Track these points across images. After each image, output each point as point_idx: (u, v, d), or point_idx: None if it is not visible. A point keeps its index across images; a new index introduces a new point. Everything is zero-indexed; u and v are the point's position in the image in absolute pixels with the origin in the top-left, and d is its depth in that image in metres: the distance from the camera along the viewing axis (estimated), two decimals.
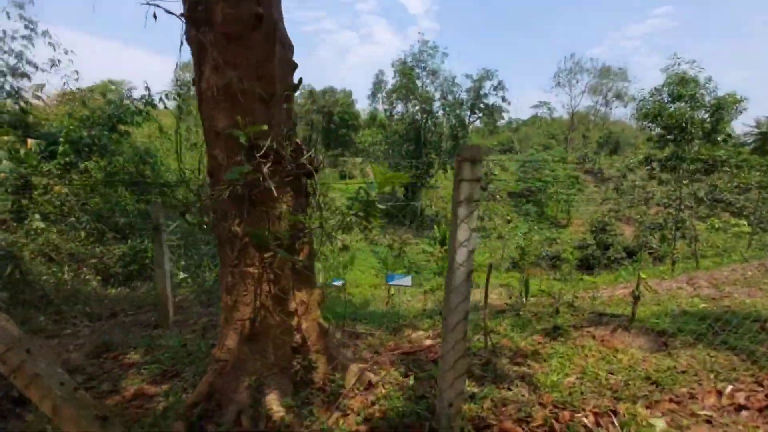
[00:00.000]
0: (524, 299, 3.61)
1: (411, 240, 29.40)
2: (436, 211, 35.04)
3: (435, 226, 25.33)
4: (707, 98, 9.96)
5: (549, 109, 60.58)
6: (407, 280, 3.40)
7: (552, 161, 36.64)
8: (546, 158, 37.32)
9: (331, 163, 44.99)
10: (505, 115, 49.03)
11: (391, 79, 41.57)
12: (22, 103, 9.39)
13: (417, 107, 39.20)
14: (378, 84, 47.79)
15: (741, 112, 9.77)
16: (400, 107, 40.77)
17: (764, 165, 9.69)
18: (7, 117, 8.75)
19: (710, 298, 3.83)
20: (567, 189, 33.39)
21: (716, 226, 18.41)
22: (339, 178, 42.31)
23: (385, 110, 43.73)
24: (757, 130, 9.68)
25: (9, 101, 9.03)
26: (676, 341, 2.49)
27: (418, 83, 40.10)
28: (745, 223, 17.71)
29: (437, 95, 40.19)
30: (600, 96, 53.92)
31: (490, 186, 36.86)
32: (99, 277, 5.80)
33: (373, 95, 49.75)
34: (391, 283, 3.47)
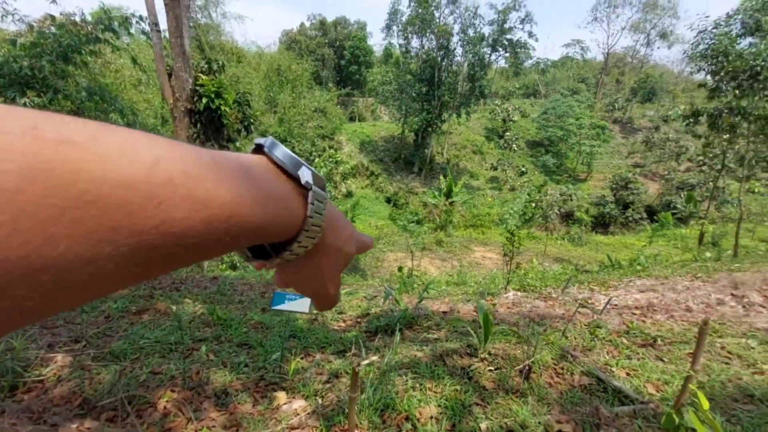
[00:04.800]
0: (483, 343, 2.38)
1: (418, 188, 27.99)
2: (447, 159, 33.06)
3: (441, 177, 23.73)
4: None
5: (582, 48, 54.89)
6: (303, 304, 2.17)
7: (578, 108, 33.48)
8: (571, 104, 34.12)
9: (341, 102, 42.46)
10: (532, 53, 44.49)
11: (406, 9, 37.55)
12: None
13: (434, 42, 35.69)
14: (393, 14, 43.59)
15: None
16: (415, 42, 37.28)
17: None
18: None
19: None
20: (591, 140, 30.68)
21: (756, 189, 16.47)
22: (348, 120, 40.14)
23: (400, 45, 40.19)
24: None
25: None
26: None
27: (436, 14, 36.16)
28: None
29: (456, 29, 36.33)
30: (642, 34, 48.02)
31: (507, 134, 34.31)
32: None
33: (388, 28, 45.67)
34: (276, 307, 2.27)
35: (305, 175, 0.29)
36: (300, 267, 0.33)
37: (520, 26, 36.53)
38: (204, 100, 6.86)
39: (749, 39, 7.85)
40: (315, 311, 3.49)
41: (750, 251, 7.75)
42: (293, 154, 0.29)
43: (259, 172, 0.26)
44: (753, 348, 2.53)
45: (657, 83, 42.02)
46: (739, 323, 3.01)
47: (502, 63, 47.97)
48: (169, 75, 7.43)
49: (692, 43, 8.63)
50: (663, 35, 46.30)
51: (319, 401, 2.00)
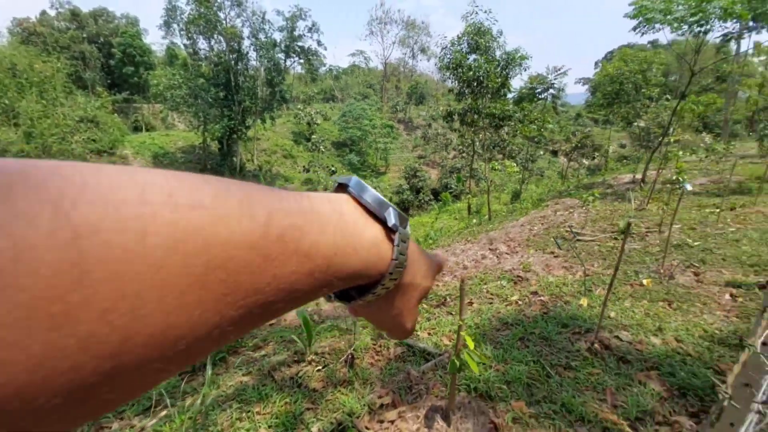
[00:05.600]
0: (308, 346, 2.43)
1: None
2: (259, 165, 31.92)
3: None
4: (498, 52, 10.76)
5: (365, 58, 61.71)
6: None
7: (369, 111, 37.56)
8: (364, 107, 37.97)
9: (119, 110, 35.24)
10: (324, 61, 47.25)
11: (186, 6, 34.02)
12: None
13: (223, 45, 33.57)
14: (172, 11, 38.73)
15: (526, 69, 10.90)
16: (203, 44, 34.26)
17: (540, 119, 11.28)
18: None
19: (516, 279, 3.53)
20: (383, 138, 35.01)
21: (496, 167, 22.09)
22: (132, 131, 33.89)
23: (186, 46, 36.20)
24: (529, 85, 11.16)
25: None
26: (507, 413, 1.75)
27: (221, 15, 34.06)
28: (515, 164, 21.81)
29: (246, 32, 35.17)
30: (408, 48, 57.47)
31: (314, 136, 35.55)
32: None
33: (167, 26, 40.32)
34: None
35: (392, 217, 0.28)
36: (378, 304, 0.32)
37: (309, 34, 38.22)
38: None
39: (474, 56, 10.62)
40: None
41: (498, 214, 10.42)
42: (380, 196, 0.28)
43: (350, 217, 0.26)
44: (504, 286, 3.40)
45: (424, 89, 51.19)
46: (495, 270, 3.99)
47: (298, 69, 49.22)
48: None
49: (439, 57, 11.01)
50: (423, 50, 56.69)
51: None
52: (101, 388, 0.14)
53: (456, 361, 1.52)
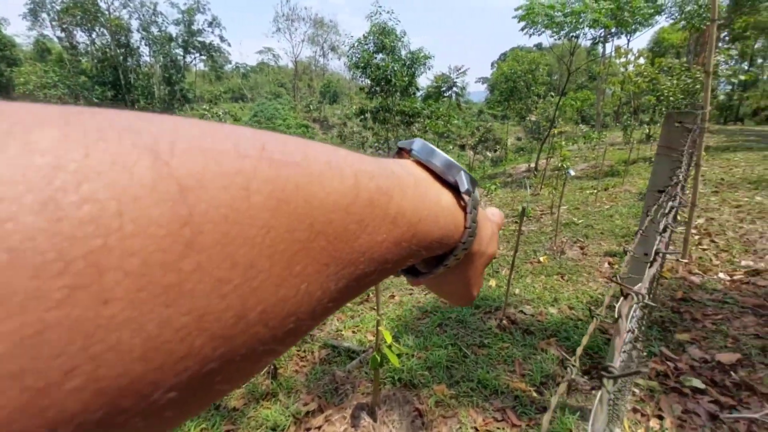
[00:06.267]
0: None
1: None
2: None
3: None
4: (403, 52, 11.21)
5: (274, 55, 59.47)
6: None
7: (283, 110, 36.43)
8: (277, 107, 36.71)
9: None
10: (230, 58, 44.47)
11: None
12: None
13: (108, 39, 29.84)
14: None
15: (430, 68, 11.50)
16: (82, 36, 30.05)
17: (445, 116, 12.01)
18: None
19: None
20: (300, 138, 34.38)
21: None
22: None
23: (60, 39, 31.44)
24: (435, 84, 11.87)
25: None
26: (430, 397, 1.82)
27: (102, 5, 30.24)
28: None
29: (135, 25, 31.70)
30: (318, 47, 56.73)
31: None
32: None
33: (34, 15, 34.46)
34: None
35: (465, 181, 0.25)
36: (444, 275, 0.28)
37: (209, 29, 35.76)
38: None
39: (380, 55, 10.96)
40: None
41: None
42: (449, 158, 0.26)
43: (424, 181, 0.24)
44: None
45: (337, 87, 51.06)
46: None
47: (201, 66, 45.65)
48: None
49: (348, 56, 11.12)
50: (333, 48, 56.42)
51: None
52: (215, 376, 0.12)
53: (377, 356, 1.54)
